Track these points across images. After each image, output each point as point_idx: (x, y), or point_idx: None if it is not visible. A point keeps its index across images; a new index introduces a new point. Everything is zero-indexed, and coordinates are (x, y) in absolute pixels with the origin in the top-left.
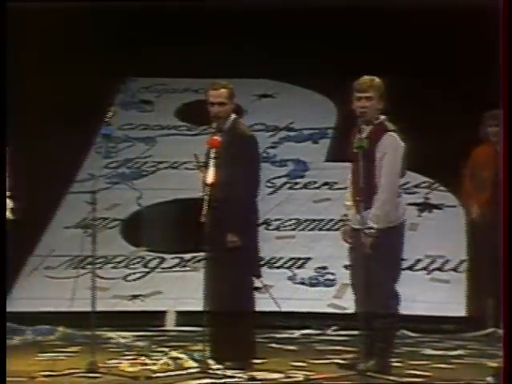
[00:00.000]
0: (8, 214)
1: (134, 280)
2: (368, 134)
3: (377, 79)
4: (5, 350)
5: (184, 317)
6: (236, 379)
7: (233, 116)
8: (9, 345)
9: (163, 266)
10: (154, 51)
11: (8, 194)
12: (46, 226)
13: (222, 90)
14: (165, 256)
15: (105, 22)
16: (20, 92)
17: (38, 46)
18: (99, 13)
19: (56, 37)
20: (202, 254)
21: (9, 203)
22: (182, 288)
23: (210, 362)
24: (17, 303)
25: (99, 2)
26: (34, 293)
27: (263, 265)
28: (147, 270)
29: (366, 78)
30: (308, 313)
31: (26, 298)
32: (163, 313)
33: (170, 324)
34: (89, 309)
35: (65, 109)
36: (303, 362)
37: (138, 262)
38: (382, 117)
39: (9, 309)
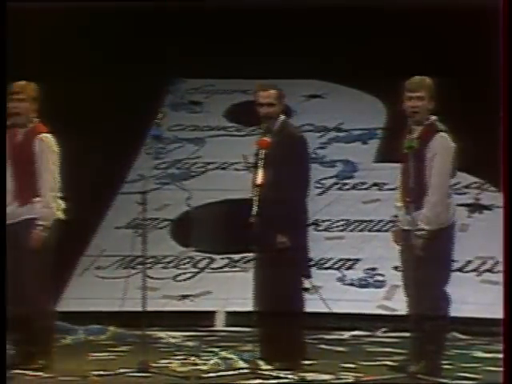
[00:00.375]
0: (60, 215)
1: (183, 280)
2: (419, 135)
3: (428, 79)
4: (5, 350)
5: (233, 317)
6: (286, 380)
7: (282, 117)
8: (61, 344)
9: (212, 266)
10: (202, 52)
11: (60, 194)
12: (97, 227)
13: (272, 91)
14: (214, 256)
15: (153, 23)
16: (71, 93)
17: (90, 47)
18: (147, 13)
19: (107, 38)
20: (252, 254)
21: (61, 204)
22: (231, 288)
23: (260, 362)
24: (69, 303)
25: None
26: (85, 293)
27: (312, 265)
28: (197, 270)
29: (417, 77)
30: (357, 314)
31: (77, 297)
32: (213, 313)
33: (220, 324)
34: (139, 308)
35: (116, 110)
36: (353, 363)
37: (187, 263)
38: (433, 117)
39: (61, 308)
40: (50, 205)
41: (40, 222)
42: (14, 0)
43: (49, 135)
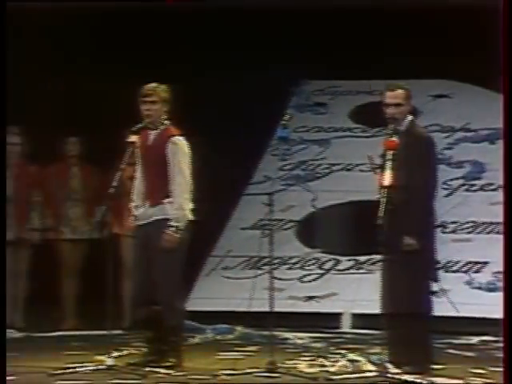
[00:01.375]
0: (189, 215)
1: (309, 281)
2: None
3: None
4: (5, 350)
5: (360, 319)
6: None
7: (409, 117)
8: (190, 343)
9: (338, 267)
10: (327, 54)
11: (189, 196)
12: (223, 227)
13: (399, 91)
14: (340, 258)
15: (279, 23)
16: (199, 94)
17: (217, 48)
18: (273, 14)
19: (238, 39)
20: (378, 256)
21: (189, 204)
22: (357, 290)
23: (388, 365)
24: (197, 302)
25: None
26: (212, 292)
27: (440, 268)
28: (322, 271)
29: None
30: (485, 319)
31: (205, 297)
32: (339, 315)
33: (346, 326)
34: (265, 309)
35: (243, 111)
36: (482, 369)
37: (313, 264)
38: None
39: (189, 308)
40: (183, 206)
41: (173, 223)
42: (14, 0)
43: (181, 137)
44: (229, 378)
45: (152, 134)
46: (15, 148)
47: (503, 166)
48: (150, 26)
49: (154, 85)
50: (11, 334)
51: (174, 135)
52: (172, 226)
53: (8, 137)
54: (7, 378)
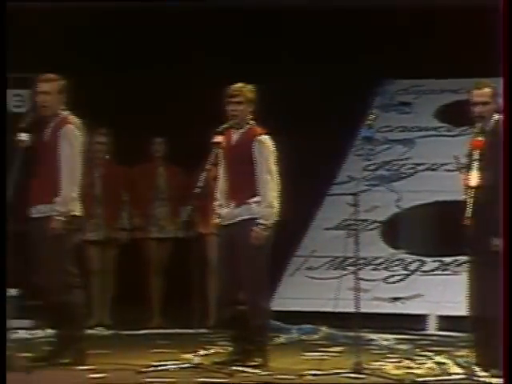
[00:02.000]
0: (276, 214)
1: (394, 282)
2: None
3: None
4: (5, 350)
5: (446, 321)
6: None
7: (496, 116)
8: (275, 343)
9: (423, 268)
10: (411, 52)
11: (277, 194)
12: (307, 227)
13: (486, 89)
14: (425, 259)
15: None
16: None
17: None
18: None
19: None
20: (464, 257)
21: (277, 203)
22: (443, 292)
23: (476, 368)
24: (281, 302)
25: None
26: (296, 292)
27: None
28: (407, 272)
29: None
30: None
31: (289, 297)
32: (424, 316)
33: (432, 328)
34: (350, 310)
35: (326, 111)
36: None
37: (398, 265)
38: None
39: (275, 307)
40: (271, 204)
41: (261, 221)
42: (14, 0)
43: (267, 136)
44: (314, 378)
45: (237, 134)
46: (102, 148)
47: (503, 166)
48: (241, 25)
49: (239, 85)
50: (100, 331)
51: (260, 134)
52: (260, 224)
53: (96, 137)
54: (96, 375)
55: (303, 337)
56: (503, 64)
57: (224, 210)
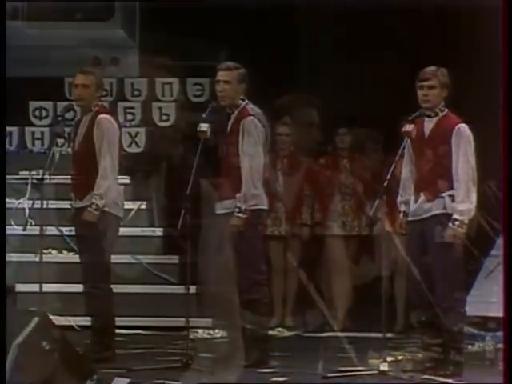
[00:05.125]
0: (474, 209)
1: None
2: None
3: None
4: (5, 350)
5: None
6: None
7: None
8: (469, 351)
9: None
10: None
11: (475, 188)
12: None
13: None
14: None
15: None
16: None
17: None
18: None
19: None
20: None
21: (475, 197)
22: None
23: None
24: (474, 307)
25: None
26: (491, 296)
27: None
28: None
29: None
30: None
31: (483, 301)
32: None
33: None
34: None
35: None
36: None
37: None
38: None
39: (468, 312)
40: (469, 198)
41: (458, 217)
42: (15, 0)
43: (466, 125)
44: None
45: (430, 122)
46: (286, 139)
47: (503, 166)
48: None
49: (433, 68)
50: (280, 332)
51: (458, 123)
52: (457, 220)
53: (279, 127)
54: (279, 378)
55: (499, 345)
56: (503, 64)
57: (412, 205)
